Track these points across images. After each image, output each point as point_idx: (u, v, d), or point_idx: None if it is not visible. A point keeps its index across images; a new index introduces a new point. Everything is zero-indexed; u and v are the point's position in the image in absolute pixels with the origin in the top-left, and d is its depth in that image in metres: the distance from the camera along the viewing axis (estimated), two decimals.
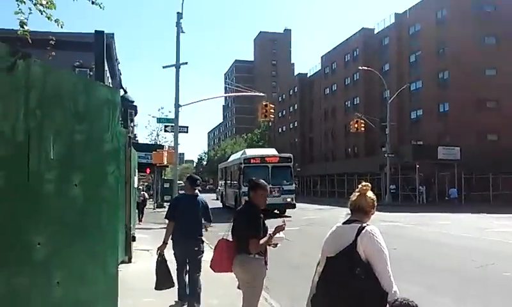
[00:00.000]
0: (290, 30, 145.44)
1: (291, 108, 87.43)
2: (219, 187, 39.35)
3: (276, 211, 24.29)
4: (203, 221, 6.81)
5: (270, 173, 24.45)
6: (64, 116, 3.65)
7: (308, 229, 18.72)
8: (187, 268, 6.74)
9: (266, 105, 24.69)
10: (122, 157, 8.94)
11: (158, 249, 6.57)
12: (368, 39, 61.48)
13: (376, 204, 3.27)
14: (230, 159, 34.93)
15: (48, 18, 5.14)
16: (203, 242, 6.82)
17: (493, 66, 44.79)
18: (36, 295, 3.30)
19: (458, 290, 8.51)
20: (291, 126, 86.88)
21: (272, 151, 29.36)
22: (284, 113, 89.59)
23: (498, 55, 43.49)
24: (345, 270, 2.90)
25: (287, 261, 10.96)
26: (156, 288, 6.58)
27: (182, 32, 21.39)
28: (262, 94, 28.05)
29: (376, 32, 61.76)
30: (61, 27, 5.31)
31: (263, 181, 4.95)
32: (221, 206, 33.30)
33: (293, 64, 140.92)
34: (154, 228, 18.04)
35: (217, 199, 38.05)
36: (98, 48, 11.88)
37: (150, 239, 14.35)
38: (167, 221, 6.81)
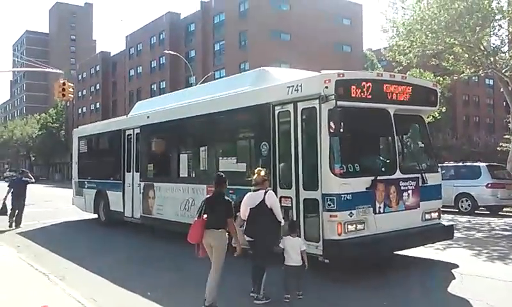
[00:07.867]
0: (91, 4, 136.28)
1: (92, 88, 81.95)
2: (76, 179, 16.86)
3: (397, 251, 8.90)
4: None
5: (395, 132, 8.25)
6: None
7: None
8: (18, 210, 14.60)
9: (64, 84, 22.39)
10: None
11: (3, 199, 14.53)
12: (174, 23, 61.20)
13: (267, 178, 6.62)
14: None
15: None
16: (25, 197, 14.83)
17: (287, 61, 49.53)
18: None
19: None
20: (92, 108, 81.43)
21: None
22: (84, 93, 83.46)
23: (291, 51, 48.11)
24: (262, 212, 6.27)
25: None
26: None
27: None
28: (58, 71, 25.66)
29: (182, 17, 62.02)
30: None
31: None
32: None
33: (95, 41, 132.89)
34: None
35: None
36: None
37: None
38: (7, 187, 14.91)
